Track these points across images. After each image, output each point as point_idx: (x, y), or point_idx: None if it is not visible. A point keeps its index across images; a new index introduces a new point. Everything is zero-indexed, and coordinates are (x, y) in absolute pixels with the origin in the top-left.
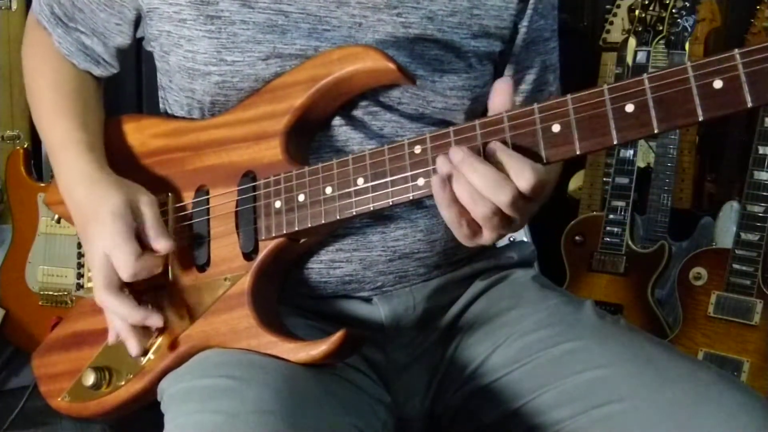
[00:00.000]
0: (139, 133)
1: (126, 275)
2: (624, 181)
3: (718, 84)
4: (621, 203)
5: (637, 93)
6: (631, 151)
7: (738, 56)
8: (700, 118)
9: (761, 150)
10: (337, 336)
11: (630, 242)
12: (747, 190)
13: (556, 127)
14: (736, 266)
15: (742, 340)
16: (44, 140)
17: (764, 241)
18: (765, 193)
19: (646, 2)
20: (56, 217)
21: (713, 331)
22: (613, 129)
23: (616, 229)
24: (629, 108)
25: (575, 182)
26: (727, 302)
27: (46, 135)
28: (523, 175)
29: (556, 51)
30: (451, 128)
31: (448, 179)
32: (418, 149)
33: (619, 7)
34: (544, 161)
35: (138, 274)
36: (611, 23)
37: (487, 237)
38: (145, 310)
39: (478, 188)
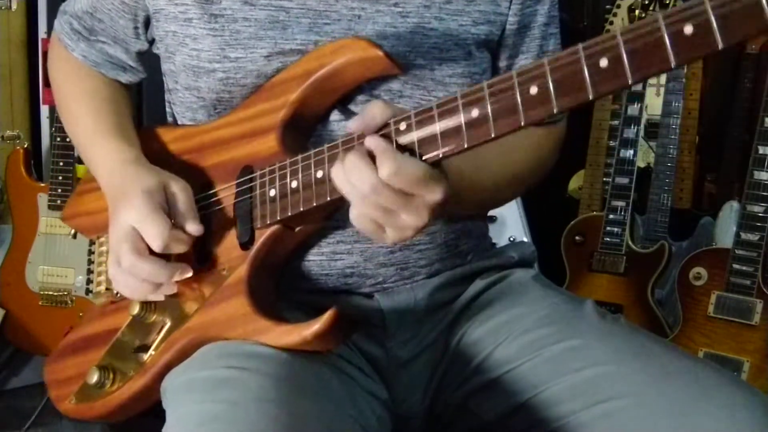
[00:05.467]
0: (151, 142)
1: (158, 243)
2: (624, 181)
3: (688, 29)
4: (621, 203)
5: (611, 47)
6: (631, 151)
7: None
8: (673, 65)
9: (761, 150)
10: (327, 315)
11: (630, 242)
12: (747, 190)
13: (533, 90)
14: (736, 266)
15: (742, 340)
16: (80, 134)
17: (764, 241)
18: (765, 193)
19: (646, 2)
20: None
21: (713, 331)
22: (589, 84)
23: (616, 229)
24: (603, 63)
25: (575, 182)
26: (727, 302)
27: (82, 128)
28: (383, 163)
29: (556, 38)
30: (434, 102)
31: None
32: (403, 126)
33: (619, 7)
34: (522, 124)
35: (169, 244)
36: (611, 23)
37: (389, 236)
38: (174, 264)
39: (346, 171)
